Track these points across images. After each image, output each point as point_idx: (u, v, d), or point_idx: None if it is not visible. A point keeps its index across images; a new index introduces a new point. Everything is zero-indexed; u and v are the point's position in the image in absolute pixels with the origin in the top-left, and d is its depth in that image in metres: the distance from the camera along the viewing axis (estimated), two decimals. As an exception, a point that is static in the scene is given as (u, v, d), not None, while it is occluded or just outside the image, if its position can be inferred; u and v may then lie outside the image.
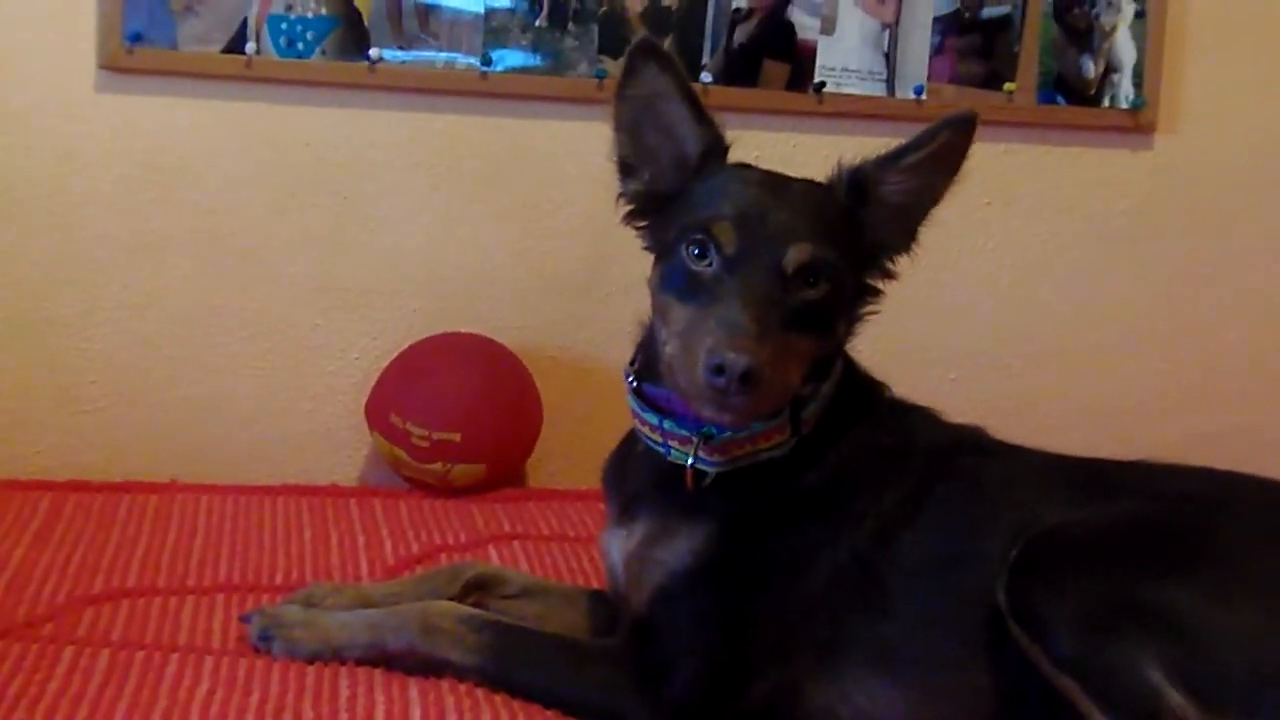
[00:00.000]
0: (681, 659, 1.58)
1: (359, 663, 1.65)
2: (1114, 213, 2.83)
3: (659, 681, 1.57)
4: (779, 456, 1.60)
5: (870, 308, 1.67)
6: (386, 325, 2.56)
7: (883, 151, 1.62)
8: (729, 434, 1.57)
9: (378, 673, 1.63)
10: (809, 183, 1.64)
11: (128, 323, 2.50)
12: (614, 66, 2.55)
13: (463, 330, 2.52)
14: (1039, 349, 2.84)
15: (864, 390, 1.71)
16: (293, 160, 2.51)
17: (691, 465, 1.59)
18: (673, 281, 1.58)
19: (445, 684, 1.61)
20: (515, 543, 2.21)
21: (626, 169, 1.68)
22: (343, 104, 2.51)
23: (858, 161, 1.63)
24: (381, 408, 2.44)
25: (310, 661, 1.66)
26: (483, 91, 2.54)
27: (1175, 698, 1.40)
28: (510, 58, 2.54)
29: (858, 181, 1.63)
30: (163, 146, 2.47)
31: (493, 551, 2.17)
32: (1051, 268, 2.82)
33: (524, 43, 2.54)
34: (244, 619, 1.74)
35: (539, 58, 2.55)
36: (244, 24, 2.43)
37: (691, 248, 1.55)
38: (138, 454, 2.49)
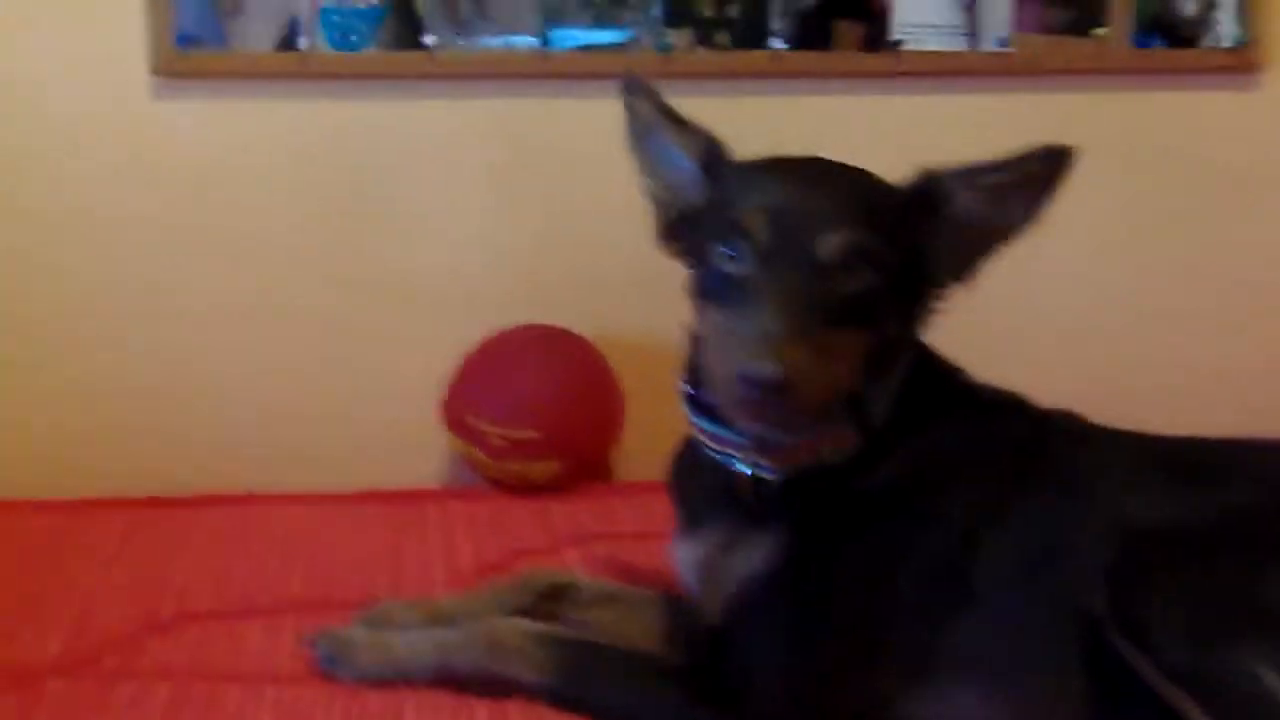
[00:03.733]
0: (759, 671, 1.48)
1: (429, 684, 1.59)
2: (1221, 159, 2.64)
3: (738, 696, 1.47)
4: (848, 459, 1.50)
5: (935, 302, 1.54)
6: (458, 320, 2.47)
7: (966, 163, 1.50)
8: (786, 440, 1.47)
9: (445, 696, 1.56)
10: (859, 171, 1.52)
11: (193, 331, 2.46)
12: (678, 37, 2.45)
13: (536, 322, 2.44)
14: (1145, 311, 2.67)
15: (940, 381, 1.58)
16: (353, 156, 2.44)
17: (752, 474, 1.50)
18: (707, 286, 1.49)
19: (512, 706, 1.54)
20: (596, 542, 2.13)
21: (658, 204, 1.62)
22: (402, 95, 2.44)
23: (936, 166, 1.51)
24: (456, 407, 2.37)
25: (378, 685, 1.60)
26: (544, 73, 2.44)
27: None
28: (570, 36, 2.44)
29: (931, 187, 1.50)
30: (221, 150, 2.42)
31: (571, 553, 2.09)
32: (1156, 223, 2.65)
33: (584, 20, 2.44)
34: (309, 643, 1.68)
35: (600, 34, 2.45)
36: (294, 20, 2.36)
37: (723, 247, 1.45)
38: (213, 467, 2.44)
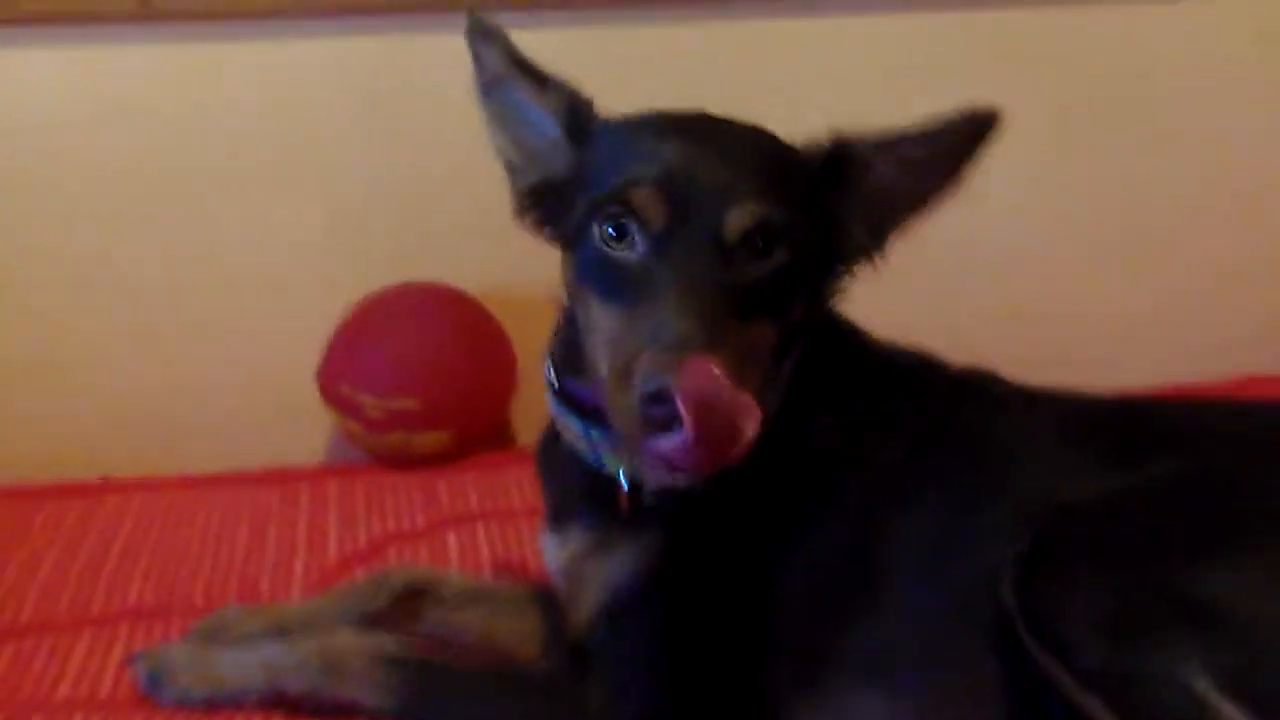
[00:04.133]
0: (633, 685, 1.30)
1: (259, 707, 1.40)
2: (1147, 75, 2.43)
3: (608, 714, 1.29)
4: None
5: (844, 278, 1.35)
6: (332, 282, 2.25)
7: (880, 131, 1.29)
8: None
9: (276, 721, 1.38)
10: (761, 132, 1.31)
11: (38, 302, 2.23)
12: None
13: (417, 280, 2.22)
14: (1070, 247, 2.47)
15: (836, 349, 1.39)
16: (205, 106, 2.20)
17: (626, 484, 1.31)
18: (589, 273, 1.26)
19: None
20: (479, 523, 1.93)
21: (512, 169, 1.39)
22: (258, 35, 2.19)
23: (847, 133, 1.30)
24: (330, 377, 2.16)
25: (206, 709, 1.41)
26: (402, 6, 2.19)
27: (1227, 709, 1.10)
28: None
29: (844, 155, 1.30)
30: (56, 105, 2.17)
31: (452, 538, 1.89)
32: (1083, 150, 2.44)
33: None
34: (129, 663, 1.49)
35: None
36: (131, -46, 2.12)
37: (606, 226, 1.22)
38: (66, 451, 2.21)
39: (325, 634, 1.44)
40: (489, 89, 1.39)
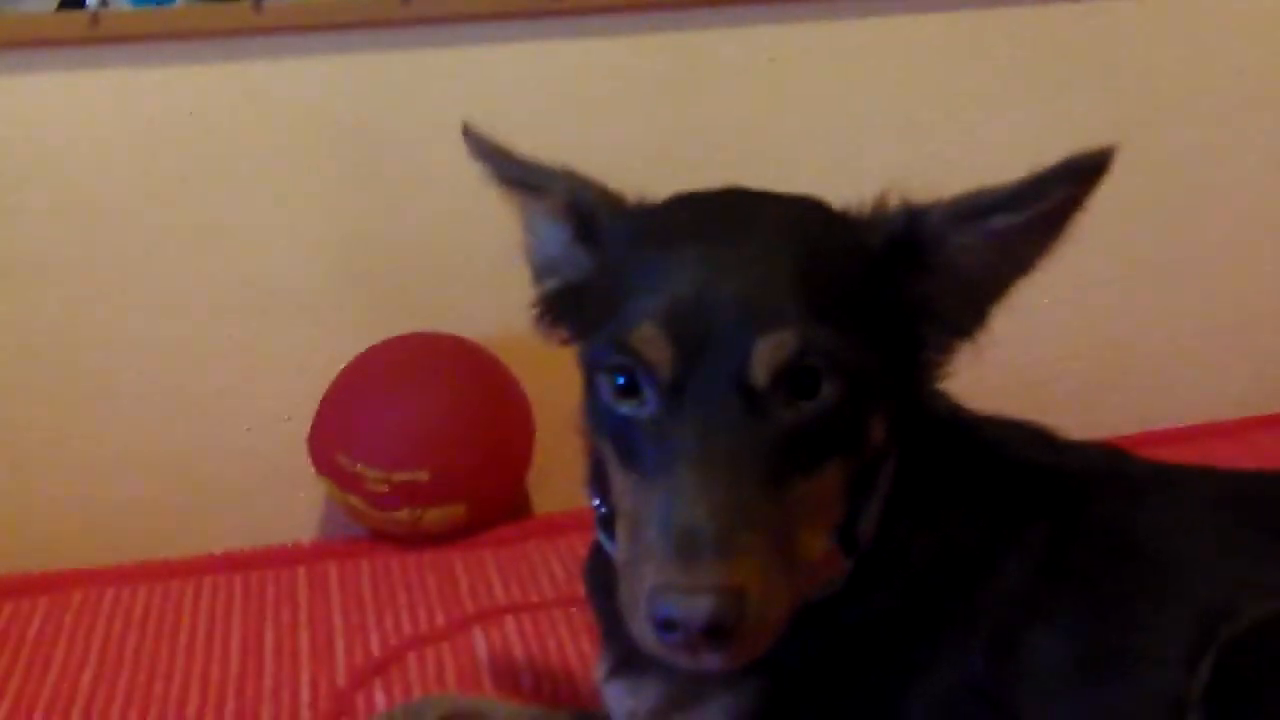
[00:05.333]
0: None
1: None
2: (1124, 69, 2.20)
3: None
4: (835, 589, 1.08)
5: (936, 370, 1.10)
6: (324, 334, 2.00)
7: (961, 198, 1.05)
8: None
9: None
10: (802, 211, 1.07)
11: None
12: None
13: (418, 330, 1.96)
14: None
15: (937, 443, 1.14)
16: (166, 135, 1.93)
17: None
18: (603, 427, 1.02)
19: None
20: (509, 618, 1.69)
21: (534, 272, 1.18)
22: (226, 57, 1.93)
23: (921, 204, 1.05)
24: (325, 445, 1.90)
25: None
26: (403, 20, 1.94)
27: None
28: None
29: (914, 232, 1.05)
30: (6, 136, 1.91)
31: (479, 638, 1.64)
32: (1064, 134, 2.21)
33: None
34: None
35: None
36: (79, -28, 1.85)
37: (614, 378, 0.99)
38: (23, 538, 1.95)
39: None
40: (504, 195, 1.18)
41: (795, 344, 0.95)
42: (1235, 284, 2.33)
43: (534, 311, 1.16)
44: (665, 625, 0.89)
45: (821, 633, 1.07)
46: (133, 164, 1.94)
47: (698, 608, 0.87)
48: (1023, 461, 1.20)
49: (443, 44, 1.96)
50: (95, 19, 1.87)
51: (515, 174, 1.16)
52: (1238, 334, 2.34)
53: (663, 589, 0.89)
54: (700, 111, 2.06)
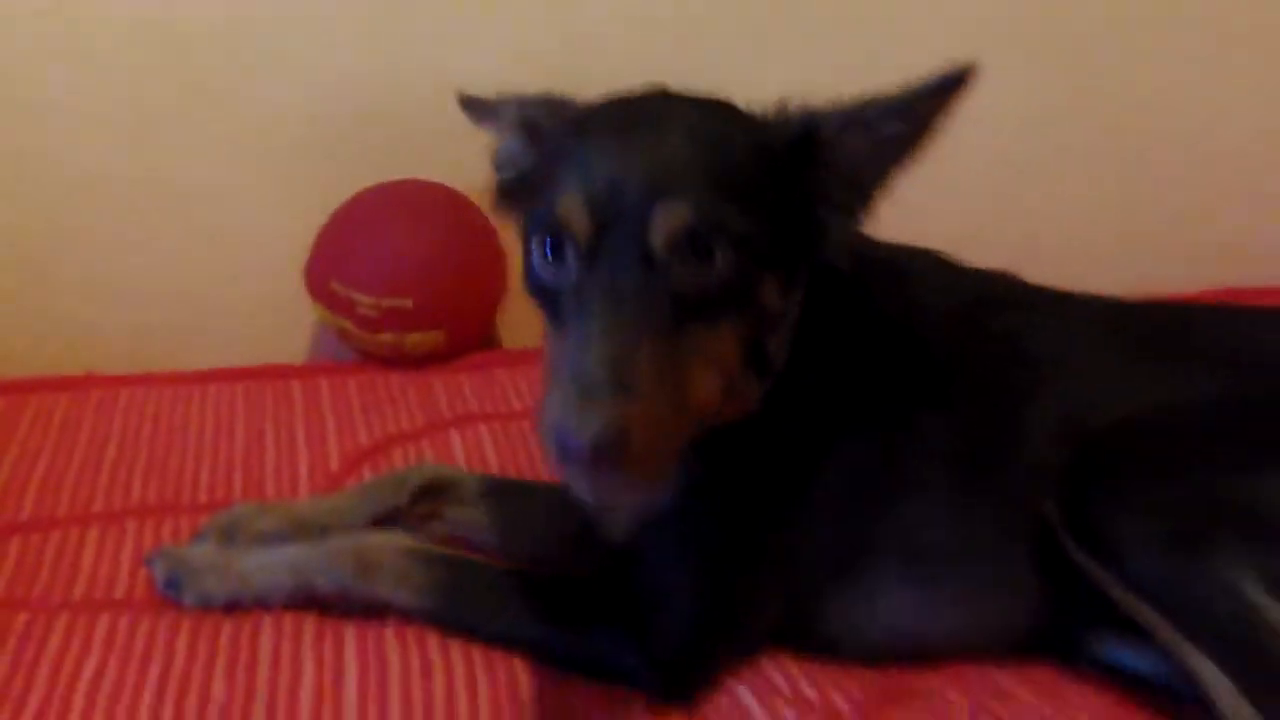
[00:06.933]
0: (674, 591, 1.30)
1: (285, 608, 1.39)
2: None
3: (649, 619, 1.29)
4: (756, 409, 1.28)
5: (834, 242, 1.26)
6: (321, 176, 2.20)
7: (850, 103, 1.22)
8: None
9: (308, 628, 1.37)
10: (715, 112, 1.25)
11: (23, 197, 2.16)
12: None
13: (409, 178, 2.18)
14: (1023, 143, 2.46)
15: (847, 288, 1.34)
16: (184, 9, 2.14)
17: None
18: (535, 290, 1.21)
19: (389, 631, 1.35)
20: (481, 424, 1.92)
21: (495, 166, 1.37)
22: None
23: (813, 108, 1.23)
24: (321, 274, 2.12)
25: (228, 610, 1.39)
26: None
27: (1275, 612, 1.14)
28: None
29: (809, 135, 1.22)
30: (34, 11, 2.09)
31: (455, 437, 1.88)
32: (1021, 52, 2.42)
33: None
34: (147, 562, 1.46)
35: None
36: None
37: (544, 242, 1.17)
38: (47, 347, 2.17)
39: (354, 533, 1.43)
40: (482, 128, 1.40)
41: (689, 214, 1.11)
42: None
43: (492, 197, 1.36)
44: (562, 452, 1.03)
45: (741, 441, 1.27)
46: (155, 28, 2.13)
47: (583, 436, 1.01)
48: (917, 284, 1.42)
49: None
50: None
51: (482, 111, 1.38)
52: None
53: (559, 422, 1.03)
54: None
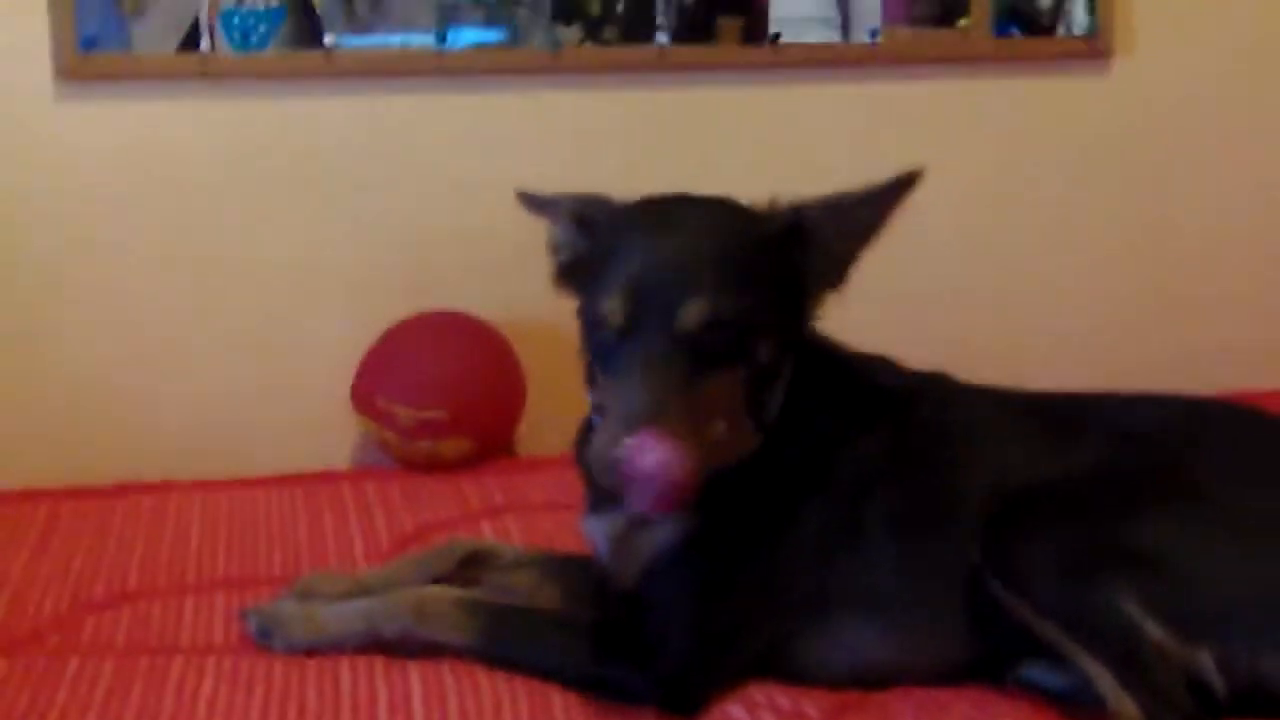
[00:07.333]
0: (672, 628, 1.61)
1: (357, 651, 1.68)
2: (1077, 141, 2.83)
3: (655, 651, 1.60)
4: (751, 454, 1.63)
5: (815, 311, 1.66)
6: (367, 309, 2.57)
7: (828, 196, 1.62)
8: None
9: (378, 659, 1.66)
10: (721, 212, 1.63)
11: (108, 328, 2.54)
12: (567, 34, 2.56)
13: (441, 308, 2.55)
14: (1010, 282, 2.86)
15: (822, 359, 1.71)
16: (256, 154, 2.53)
17: None
18: (590, 346, 1.61)
19: (445, 665, 1.64)
20: (507, 515, 2.24)
21: (551, 250, 1.73)
22: (303, 94, 2.53)
23: (800, 203, 1.62)
24: (367, 391, 2.47)
25: (310, 654, 1.69)
26: (439, 70, 2.55)
27: (1153, 629, 1.47)
28: (465, 35, 2.56)
29: (799, 223, 1.61)
30: (124, 151, 2.49)
31: (485, 525, 2.20)
32: (1018, 201, 2.83)
33: (477, 18, 2.55)
34: (242, 616, 1.78)
35: (494, 32, 2.56)
36: (196, 22, 2.44)
37: (594, 319, 1.56)
38: (130, 458, 2.51)
39: (413, 587, 1.75)
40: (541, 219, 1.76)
41: (708, 308, 1.50)
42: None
43: (552, 277, 1.72)
44: (614, 464, 1.42)
45: (739, 482, 1.62)
46: (221, 172, 2.54)
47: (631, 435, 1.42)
48: (876, 375, 1.77)
49: (470, 91, 2.57)
50: (204, 60, 2.46)
51: (539, 205, 1.75)
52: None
53: (614, 438, 1.43)
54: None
